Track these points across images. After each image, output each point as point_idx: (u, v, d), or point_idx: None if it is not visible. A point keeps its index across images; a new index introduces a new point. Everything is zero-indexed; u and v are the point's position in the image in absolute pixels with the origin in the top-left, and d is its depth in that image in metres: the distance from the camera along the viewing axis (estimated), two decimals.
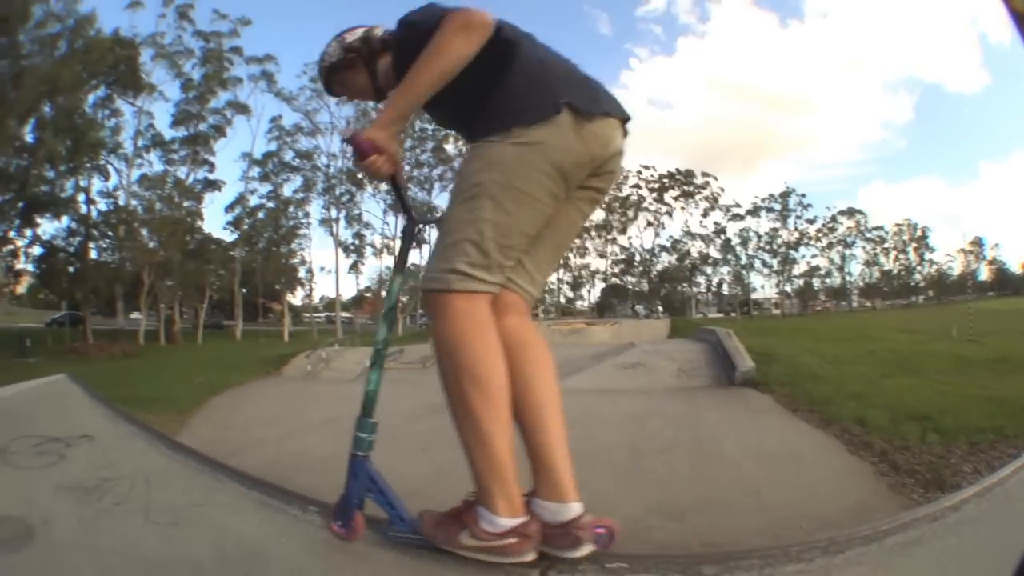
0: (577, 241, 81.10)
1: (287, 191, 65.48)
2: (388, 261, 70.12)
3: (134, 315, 54.45)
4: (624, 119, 2.59)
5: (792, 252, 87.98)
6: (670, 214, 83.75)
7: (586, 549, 2.34)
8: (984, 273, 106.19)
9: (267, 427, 9.15)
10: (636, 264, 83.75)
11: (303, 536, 3.00)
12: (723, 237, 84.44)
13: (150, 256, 45.60)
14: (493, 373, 2.38)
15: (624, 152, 2.59)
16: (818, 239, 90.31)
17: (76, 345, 38.16)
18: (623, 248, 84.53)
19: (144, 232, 47.14)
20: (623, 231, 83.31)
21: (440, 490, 5.48)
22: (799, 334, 26.16)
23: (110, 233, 45.37)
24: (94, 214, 45.74)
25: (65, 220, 44.02)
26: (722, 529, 4.51)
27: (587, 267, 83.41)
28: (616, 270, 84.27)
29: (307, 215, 67.50)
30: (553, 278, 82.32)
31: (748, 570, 2.35)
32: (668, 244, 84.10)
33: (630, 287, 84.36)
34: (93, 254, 45.72)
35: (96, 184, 47.15)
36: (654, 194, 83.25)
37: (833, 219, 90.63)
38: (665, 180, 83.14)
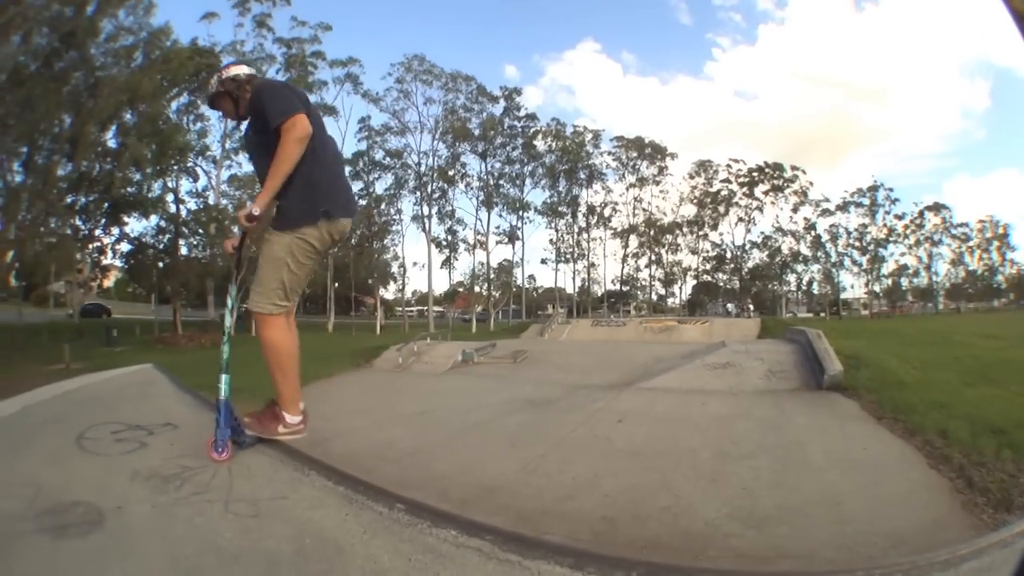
0: (669, 237, 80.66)
1: (378, 189, 65.99)
2: (481, 256, 70.34)
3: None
4: (355, 214, 4.93)
5: (881, 250, 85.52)
6: (760, 209, 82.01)
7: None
8: None
9: (355, 417, 9.19)
10: (727, 261, 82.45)
11: (388, 534, 3.05)
12: (813, 233, 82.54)
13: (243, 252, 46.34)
14: (291, 350, 4.72)
15: (348, 229, 4.93)
16: (906, 236, 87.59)
17: (165, 335, 39.09)
18: (714, 244, 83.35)
19: (235, 229, 47.81)
20: (714, 227, 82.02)
21: (525, 485, 5.72)
22: (887, 336, 25.48)
23: (200, 231, 46.14)
24: (183, 213, 46.57)
25: (154, 219, 44.94)
26: (800, 540, 4.47)
27: (679, 264, 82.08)
28: (707, 267, 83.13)
29: (399, 212, 67.89)
30: (645, 274, 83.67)
31: None
32: (759, 240, 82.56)
33: (721, 284, 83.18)
34: (184, 250, 46.50)
35: (185, 185, 48.00)
36: (744, 188, 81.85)
37: (920, 215, 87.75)
38: (755, 174, 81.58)
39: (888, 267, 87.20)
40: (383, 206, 66.22)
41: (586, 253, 78.24)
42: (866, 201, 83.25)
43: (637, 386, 11.72)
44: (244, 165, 54.29)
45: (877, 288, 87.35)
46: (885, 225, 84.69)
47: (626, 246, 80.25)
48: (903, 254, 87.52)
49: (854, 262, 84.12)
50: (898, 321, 68.49)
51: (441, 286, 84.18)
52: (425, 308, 72.61)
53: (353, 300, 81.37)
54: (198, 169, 48.78)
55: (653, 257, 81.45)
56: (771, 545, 4.37)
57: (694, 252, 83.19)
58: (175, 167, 44.63)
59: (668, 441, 7.47)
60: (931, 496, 5.49)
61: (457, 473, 6.02)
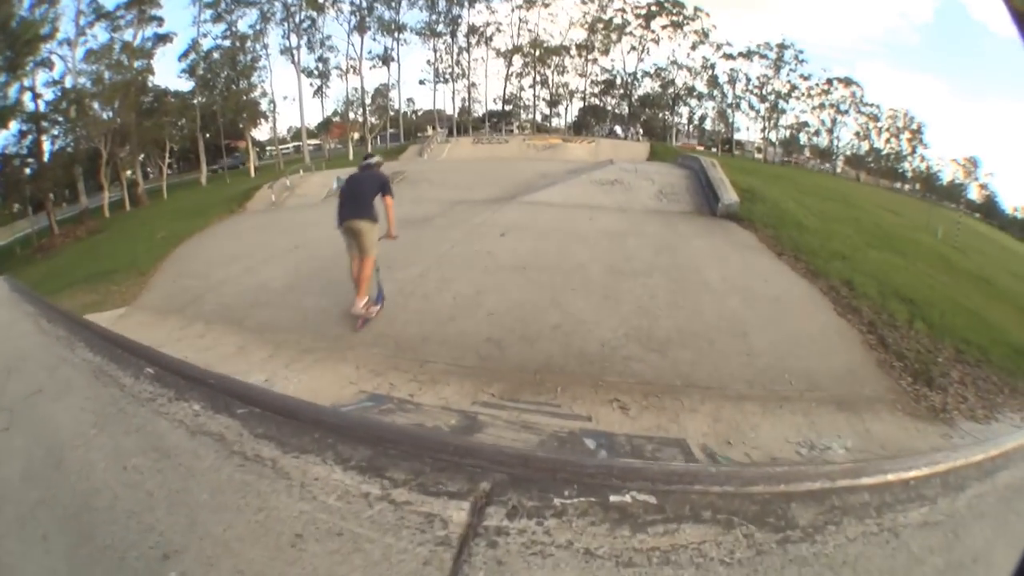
0: (556, 58, 79.70)
1: (243, 27, 63.41)
2: (355, 82, 68.42)
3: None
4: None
5: (782, 102, 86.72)
6: (656, 42, 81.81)
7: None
8: (974, 193, 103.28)
9: (227, 266, 8.89)
10: (617, 86, 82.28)
11: (118, 422, 2.43)
12: (711, 73, 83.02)
13: (105, 126, 44.35)
14: None
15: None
16: (810, 96, 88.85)
17: (43, 242, 37.69)
18: (604, 69, 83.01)
19: (96, 105, 45.66)
20: (605, 52, 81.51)
21: (402, 309, 5.74)
22: (783, 181, 25.72)
23: (60, 119, 43.83)
24: (43, 107, 44.07)
25: (14, 126, 42.38)
26: (707, 369, 4.30)
27: (566, 86, 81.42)
28: (596, 90, 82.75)
29: (265, 47, 65.56)
30: (529, 95, 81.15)
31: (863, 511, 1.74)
32: (652, 71, 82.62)
33: (610, 108, 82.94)
34: (47, 145, 44.17)
35: (41, 77, 45.23)
36: (640, 20, 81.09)
37: (829, 82, 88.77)
38: (652, 7, 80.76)
39: (788, 119, 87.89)
40: (248, 43, 63.75)
41: (466, 73, 76.32)
42: (772, 55, 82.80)
43: (520, 200, 11.45)
44: (100, 36, 51.27)
45: (773, 136, 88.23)
46: (789, 81, 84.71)
47: (509, 65, 78.74)
48: (804, 112, 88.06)
49: (751, 107, 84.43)
50: (793, 170, 70.08)
51: (315, 118, 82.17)
52: (300, 143, 71.08)
53: (223, 148, 78.98)
54: (53, 57, 45.77)
55: (539, 78, 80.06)
56: (676, 372, 4.20)
57: (582, 75, 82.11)
58: (29, 63, 41.81)
59: (555, 255, 7.27)
60: (842, 344, 5.45)
61: (331, 305, 5.90)
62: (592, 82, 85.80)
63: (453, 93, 78.44)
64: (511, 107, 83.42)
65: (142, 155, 50.89)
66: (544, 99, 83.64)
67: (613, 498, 1.51)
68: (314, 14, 62.70)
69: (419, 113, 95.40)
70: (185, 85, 62.10)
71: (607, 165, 15.54)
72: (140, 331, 6.12)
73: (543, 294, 5.80)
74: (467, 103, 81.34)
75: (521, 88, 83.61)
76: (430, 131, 74.57)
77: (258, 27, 63.07)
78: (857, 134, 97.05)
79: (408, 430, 2.81)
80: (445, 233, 8.66)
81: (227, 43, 62.53)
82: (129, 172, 50.94)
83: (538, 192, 12.21)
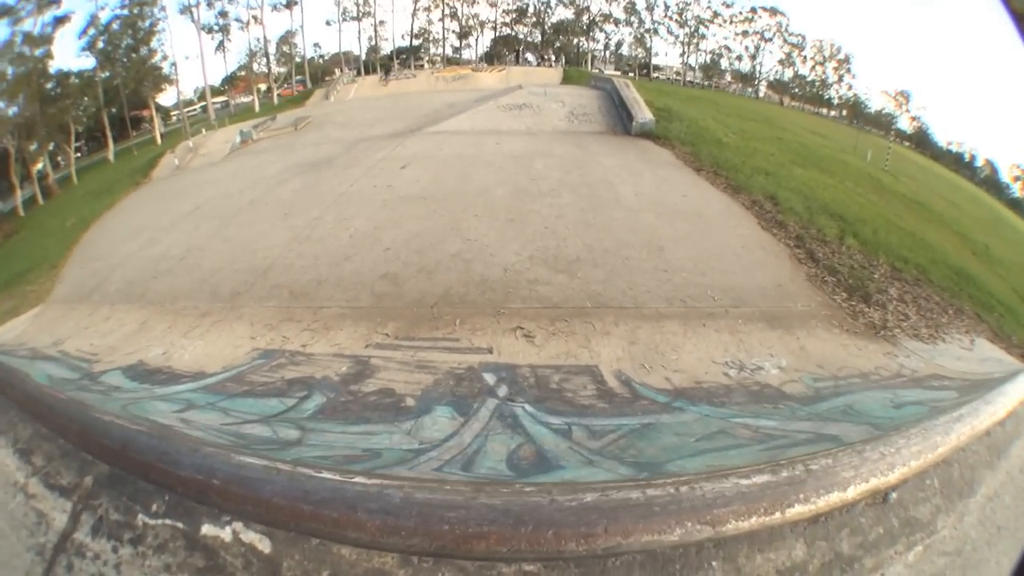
0: None
1: None
2: (256, 32, 67.26)
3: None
4: None
5: (703, 28, 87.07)
6: None
7: None
8: (905, 124, 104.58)
9: (131, 241, 8.47)
10: (529, 15, 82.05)
11: None
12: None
13: (10, 123, 42.60)
14: None
15: None
16: (732, 23, 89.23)
17: None
18: None
19: (0, 104, 43.84)
20: None
21: (298, 255, 5.48)
22: (702, 102, 25.63)
23: None
24: None
25: None
26: (620, 288, 4.07)
27: (476, 16, 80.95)
28: (507, 20, 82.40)
29: (163, 9, 63.92)
30: (438, 28, 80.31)
31: None
32: None
33: (522, 37, 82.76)
34: None
35: None
36: None
37: (753, 11, 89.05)
38: None
39: (709, 45, 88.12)
40: (147, 8, 61.93)
41: (372, 10, 75.51)
42: None
43: (424, 131, 11.12)
44: (2, 33, 50.25)
45: (693, 61, 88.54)
46: (710, 7, 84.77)
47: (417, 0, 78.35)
48: (726, 38, 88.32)
49: (670, 32, 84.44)
50: (713, 93, 70.35)
51: (220, 75, 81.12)
52: (206, 103, 69.73)
53: (128, 120, 77.33)
54: None
55: (448, 11, 79.47)
56: (586, 293, 3.99)
57: (493, 5, 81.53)
58: None
59: (457, 182, 7.00)
60: (769, 258, 5.32)
61: (228, 263, 5.75)
62: (504, 11, 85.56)
63: (359, 32, 77.57)
64: (420, 42, 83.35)
65: (51, 145, 49.29)
66: (454, 31, 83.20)
67: (206, 529, 1.03)
68: None
69: (326, 57, 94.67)
70: (87, 63, 60.56)
71: (516, 90, 15.26)
72: (53, 327, 5.92)
73: (443, 222, 5.57)
74: (374, 41, 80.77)
75: (429, 22, 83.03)
76: (337, 73, 73.99)
77: None
78: (781, 61, 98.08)
79: (57, 403, 2.12)
80: (345, 172, 8.36)
81: (125, 12, 61.14)
82: (40, 165, 49.50)
83: (444, 122, 11.93)
